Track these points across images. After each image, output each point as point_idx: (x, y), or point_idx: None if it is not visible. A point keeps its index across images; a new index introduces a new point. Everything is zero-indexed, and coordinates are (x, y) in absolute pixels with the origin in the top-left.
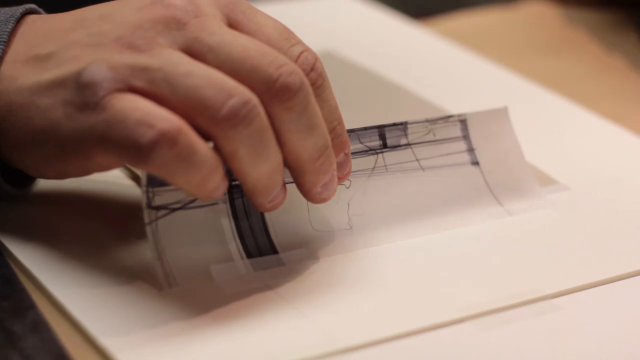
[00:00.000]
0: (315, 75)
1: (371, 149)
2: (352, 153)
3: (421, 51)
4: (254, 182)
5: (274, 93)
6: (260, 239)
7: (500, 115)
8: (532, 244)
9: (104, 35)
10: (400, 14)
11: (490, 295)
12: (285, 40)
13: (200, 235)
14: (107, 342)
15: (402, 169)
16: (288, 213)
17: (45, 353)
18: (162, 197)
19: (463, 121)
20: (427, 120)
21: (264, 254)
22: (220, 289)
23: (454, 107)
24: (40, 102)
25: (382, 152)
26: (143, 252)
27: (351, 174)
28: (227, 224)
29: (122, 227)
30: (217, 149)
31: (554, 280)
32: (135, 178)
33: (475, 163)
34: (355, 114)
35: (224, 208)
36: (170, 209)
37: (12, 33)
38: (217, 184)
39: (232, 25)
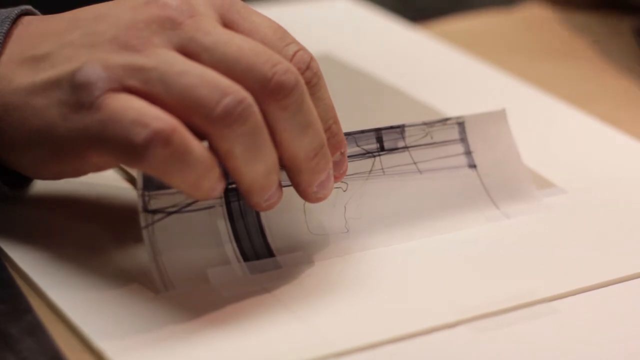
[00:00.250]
0: (310, 74)
1: (368, 152)
2: (349, 156)
3: (419, 54)
4: (250, 182)
5: (268, 92)
6: (257, 242)
7: (498, 117)
8: (529, 246)
9: (98, 35)
10: (398, 17)
11: (487, 298)
12: (280, 39)
13: (197, 239)
14: (103, 345)
15: (399, 172)
16: (284, 216)
17: (42, 356)
18: (158, 201)
19: (461, 124)
20: (425, 123)
21: (260, 257)
22: (216, 292)
23: (452, 110)
24: (35, 102)
25: (379, 155)
26: (140, 256)
27: (348, 177)
28: (223, 227)
29: (118, 230)
30: (212, 148)
31: (551, 283)
32: (132, 180)
33: (473, 166)
34: (352, 117)
35: (220, 211)
36: (166, 212)
37: (7, 34)
38: (213, 184)
39: (227, 25)
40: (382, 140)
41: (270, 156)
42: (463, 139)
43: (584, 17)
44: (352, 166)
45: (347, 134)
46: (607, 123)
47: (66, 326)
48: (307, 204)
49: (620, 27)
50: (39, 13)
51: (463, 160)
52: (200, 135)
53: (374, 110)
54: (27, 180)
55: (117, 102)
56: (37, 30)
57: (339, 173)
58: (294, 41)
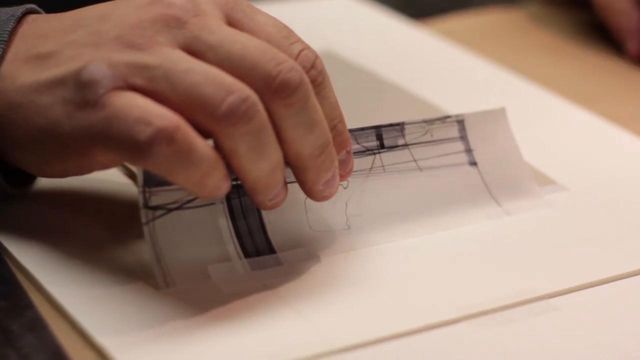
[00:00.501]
0: (315, 72)
1: (368, 150)
2: None
3: (420, 52)
4: (255, 180)
5: (273, 90)
6: (258, 238)
7: (498, 115)
8: (529, 244)
9: (103, 34)
10: (399, 15)
11: (488, 295)
12: (285, 38)
13: (198, 235)
14: (104, 340)
15: (399, 169)
16: (286, 213)
17: (42, 352)
18: (159, 197)
19: (461, 122)
20: (425, 121)
21: (261, 253)
22: (217, 288)
23: (453, 108)
24: (40, 100)
25: (379, 153)
26: (141, 252)
27: None
28: (224, 224)
29: (119, 226)
30: (217, 146)
31: (551, 281)
32: (133, 177)
33: (473, 163)
34: (353, 114)
35: (221, 208)
36: (167, 209)
37: (12, 32)
38: (218, 182)
39: (232, 24)
40: (382, 138)
41: (275, 155)
42: (463, 137)
43: (585, 15)
44: None
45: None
46: (609, 120)
47: (67, 322)
48: (309, 201)
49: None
50: (43, 12)
51: (463, 158)
52: (205, 134)
53: (374, 108)
54: (30, 178)
55: (122, 100)
56: (42, 28)
57: (344, 172)
58: (298, 40)
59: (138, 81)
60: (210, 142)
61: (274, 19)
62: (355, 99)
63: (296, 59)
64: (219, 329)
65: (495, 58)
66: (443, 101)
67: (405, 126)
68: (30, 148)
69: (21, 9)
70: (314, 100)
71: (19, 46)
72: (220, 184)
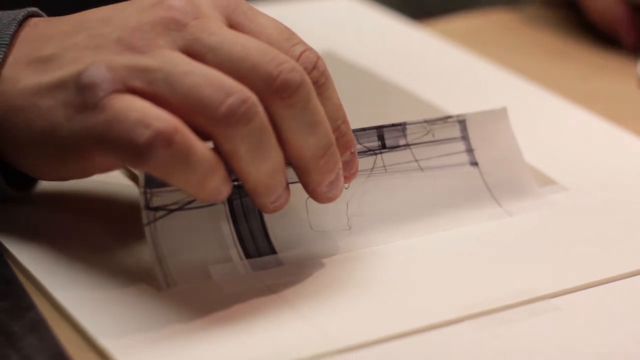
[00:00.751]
0: (317, 73)
1: (370, 150)
2: None
3: (421, 52)
4: (256, 182)
5: (274, 90)
6: (259, 239)
7: (499, 115)
8: (530, 244)
9: (104, 37)
10: (400, 15)
11: (489, 295)
12: (286, 40)
13: (199, 236)
14: (106, 342)
15: (400, 169)
16: (287, 213)
17: (44, 353)
18: (160, 198)
19: (462, 122)
20: (426, 121)
21: (262, 254)
22: (219, 289)
23: (454, 108)
24: (41, 103)
25: (380, 153)
26: (142, 253)
27: None
28: (225, 224)
29: (121, 227)
30: (217, 148)
31: (552, 281)
32: (135, 178)
33: (474, 163)
34: (354, 115)
35: (222, 208)
36: (168, 209)
37: (14, 36)
38: (217, 185)
39: (233, 26)
40: (384, 138)
41: (275, 156)
42: (464, 137)
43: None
44: None
45: None
46: (610, 120)
47: (69, 323)
48: (310, 202)
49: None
50: (45, 15)
51: (465, 158)
52: (206, 136)
53: (376, 108)
54: (32, 181)
55: (121, 102)
56: (43, 32)
57: (349, 173)
58: (300, 42)
59: (138, 84)
60: (210, 144)
61: (275, 21)
62: (356, 99)
63: (298, 60)
64: (220, 330)
65: (495, 58)
66: (444, 101)
67: (407, 126)
68: (31, 151)
69: (23, 12)
70: (315, 100)
71: (20, 49)
72: (220, 187)
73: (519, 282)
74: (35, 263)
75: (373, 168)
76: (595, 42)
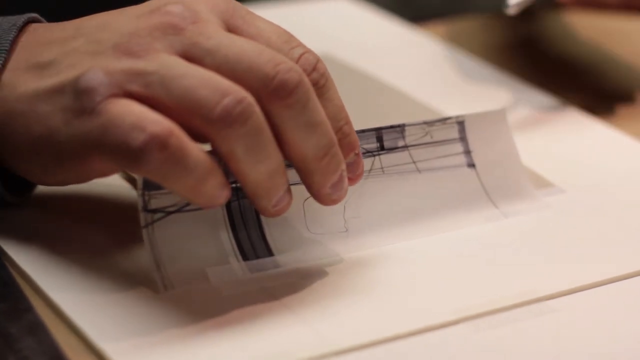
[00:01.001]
0: (317, 75)
1: (368, 151)
2: None
3: (419, 54)
4: (255, 184)
5: (271, 91)
6: (257, 241)
7: (497, 117)
8: (527, 246)
9: (102, 43)
10: (398, 17)
11: (486, 297)
12: (285, 42)
13: (197, 238)
14: (104, 345)
15: (398, 171)
16: (284, 216)
17: (42, 355)
18: (158, 200)
19: (461, 123)
20: (425, 122)
21: (260, 256)
22: (216, 291)
23: (451, 111)
24: (39, 109)
25: (379, 155)
26: (140, 255)
27: None
28: (222, 227)
29: (119, 230)
30: (215, 150)
31: (549, 282)
32: (133, 181)
33: (472, 165)
34: (353, 117)
35: (220, 211)
36: (166, 212)
37: (14, 41)
38: (213, 190)
39: (232, 30)
40: (382, 140)
41: (274, 157)
42: (463, 138)
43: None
44: None
45: None
46: (607, 123)
47: (67, 326)
48: (307, 203)
49: (618, 27)
50: (45, 21)
51: (462, 159)
52: (204, 139)
53: (373, 110)
54: (31, 186)
55: (118, 107)
56: (42, 37)
57: (354, 175)
58: (299, 44)
59: (134, 88)
60: (208, 147)
61: (273, 24)
62: (354, 101)
63: (297, 62)
64: (217, 331)
65: (494, 60)
66: (442, 104)
67: (406, 128)
68: (30, 156)
69: (23, 18)
70: (314, 100)
71: (20, 55)
72: (217, 192)
73: (516, 283)
74: (33, 266)
75: (371, 170)
76: (592, 43)
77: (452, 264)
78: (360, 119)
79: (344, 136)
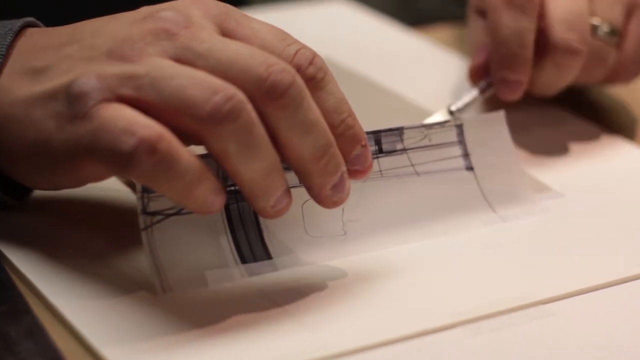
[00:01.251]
0: (314, 69)
1: None
2: None
3: (418, 58)
4: (251, 182)
5: (264, 92)
6: (255, 244)
7: (496, 121)
8: (524, 250)
9: (95, 49)
10: (396, 21)
11: (483, 300)
12: (280, 41)
13: (195, 241)
14: (103, 349)
15: (397, 174)
16: (283, 218)
17: (41, 357)
18: (157, 203)
19: (459, 126)
20: (424, 125)
21: (258, 259)
22: (215, 294)
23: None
24: (33, 114)
25: (377, 158)
26: (139, 258)
27: None
28: (221, 229)
29: (118, 233)
30: (208, 150)
31: (546, 286)
32: (131, 185)
33: (470, 168)
34: None
35: (219, 213)
36: (165, 214)
37: (10, 46)
38: (205, 194)
39: (226, 34)
40: (381, 143)
41: (267, 155)
42: (461, 141)
43: None
44: None
45: None
46: (606, 128)
47: (65, 328)
48: (306, 206)
49: None
50: (42, 25)
51: (460, 162)
52: (195, 138)
53: (372, 114)
54: (28, 190)
55: (110, 111)
56: (38, 42)
57: (364, 167)
58: (295, 41)
59: (126, 91)
60: (202, 149)
61: (268, 24)
62: (353, 105)
63: (293, 59)
64: (215, 335)
65: None
66: (440, 108)
67: (405, 131)
68: (24, 161)
69: (19, 22)
70: (309, 100)
71: (16, 59)
72: (209, 197)
73: (513, 287)
74: (33, 269)
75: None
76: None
77: (449, 268)
78: (359, 122)
79: (348, 128)
